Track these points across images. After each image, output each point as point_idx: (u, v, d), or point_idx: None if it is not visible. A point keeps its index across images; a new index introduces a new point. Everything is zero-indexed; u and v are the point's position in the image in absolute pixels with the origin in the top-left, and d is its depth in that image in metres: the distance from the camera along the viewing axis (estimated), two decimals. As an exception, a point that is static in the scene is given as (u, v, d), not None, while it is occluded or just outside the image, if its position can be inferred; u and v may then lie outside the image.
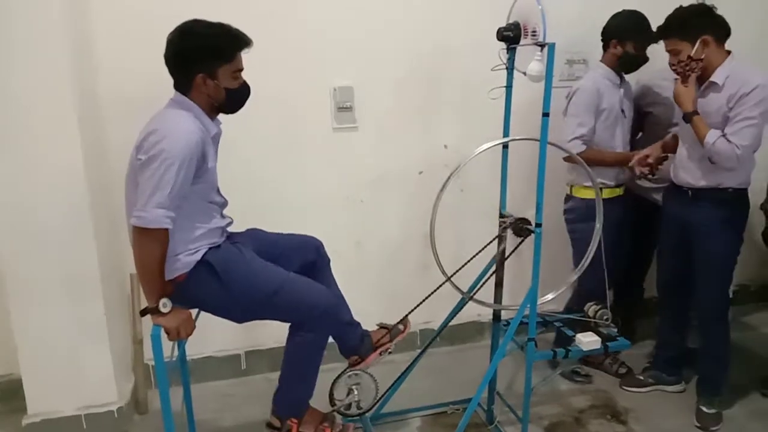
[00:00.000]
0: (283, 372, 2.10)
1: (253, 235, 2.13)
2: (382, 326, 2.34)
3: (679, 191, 2.50)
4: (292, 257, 2.12)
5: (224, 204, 2.05)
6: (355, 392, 2.22)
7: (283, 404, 2.11)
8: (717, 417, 2.57)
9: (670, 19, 2.32)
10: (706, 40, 2.26)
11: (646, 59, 2.68)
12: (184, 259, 1.86)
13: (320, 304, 1.99)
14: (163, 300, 1.81)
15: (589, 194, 2.64)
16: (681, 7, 2.35)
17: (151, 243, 1.76)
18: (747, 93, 2.21)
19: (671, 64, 2.35)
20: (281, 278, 1.97)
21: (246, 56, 1.91)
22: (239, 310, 2.00)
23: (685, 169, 2.44)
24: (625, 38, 2.63)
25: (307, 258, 2.18)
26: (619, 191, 2.79)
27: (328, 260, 2.27)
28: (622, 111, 2.73)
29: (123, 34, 2.50)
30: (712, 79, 2.30)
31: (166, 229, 1.76)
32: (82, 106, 2.30)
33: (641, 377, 2.84)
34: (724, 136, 2.24)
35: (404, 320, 2.34)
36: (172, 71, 1.86)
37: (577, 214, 2.75)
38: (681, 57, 2.29)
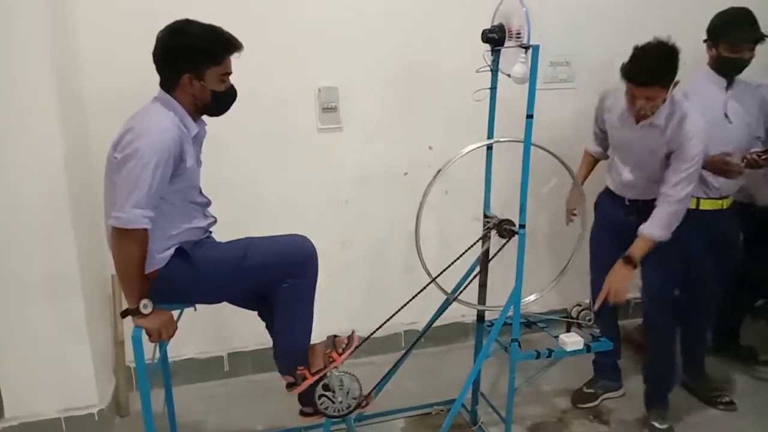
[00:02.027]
0: (277, 326, 2.04)
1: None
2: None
3: (623, 201, 2.50)
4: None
5: (207, 204, 2.03)
6: (338, 394, 2.20)
7: (287, 359, 2.06)
8: None
9: (653, 67, 2.13)
10: (676, 83, 2.19)
11: (745, 61, 2.43)
12: (158, 255, 1.84)
13: (294, 251, 1.96)
14: (144, 301, 1.79)
15: (706, 205, 2.50)
16: (654, 50, 2.14)
17: (130, 243, 1.74)
18: (686, 144, 2.21)
19: (641, 108, 2.19)
20: (245, 241, 1.96)
21: (237, 57, 1.90)
22: (215, 288, 1.95)
23: (632, 190, 2.46)
24: (715, 40, 2.44)
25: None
26: (722, 203, 2.55)
27: None
28: (726, 115, 2.47)
29: (108, 30, 2.47)
30: (654, 121, 2.24)
31: (145, 229, 1.74)
32: (64, 102, 2.27)
33: (591, 391, 2.77)
34: (660, 203, 2.26)
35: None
36: (159, 69, 1.84)
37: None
38: (656, 103, 2.17)
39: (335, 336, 2.16)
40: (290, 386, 2.08)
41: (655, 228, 2.26)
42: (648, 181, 2.39)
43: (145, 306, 1.79)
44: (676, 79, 2.16)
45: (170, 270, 1.87)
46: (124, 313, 1.83)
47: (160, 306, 1.84)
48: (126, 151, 1.71)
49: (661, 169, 2.32)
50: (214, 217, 2.05)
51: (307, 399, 2.12)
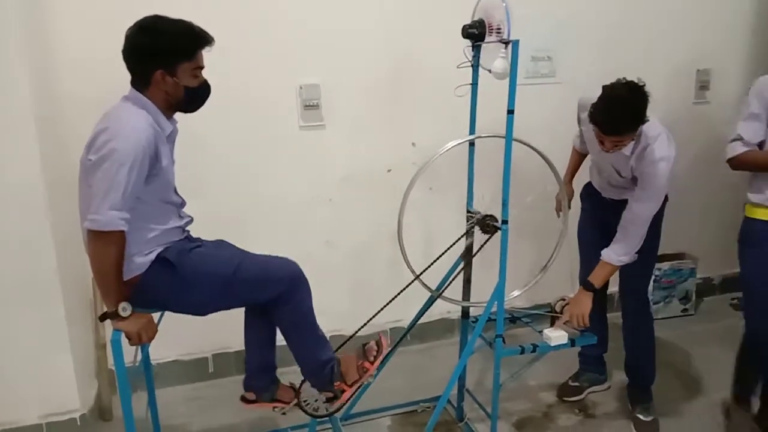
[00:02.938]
0: (292, 349, 2.05)
1: (220, 245, 2.06)
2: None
3: (602, 197, 2.53)
4: None
5: (182, 204, 1.99)
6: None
7: (315, 373, 2.07)
8: (654, 425, 2.56)
9: (620, 119, 2.07)
10: (645, 121, 2.15)
11: None
12: (138, 260, 1.81)
13: (285, 275, 1.94)
14: (123, 304, 1.75)
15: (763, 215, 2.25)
16: (623, 98, 2.06)
17: (106, 246, 1.70)
18: (647, 172, 2.19)
19: (606, 149, 2.16)
20: (239, 256, 1.92)
21: (210, 53, 1.86)
22: (201, 301, 1.92)
23: (608, 191, 2.49)
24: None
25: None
26: None
27: None
28: None
29: (84, 29, 2.43)
30: (624, 152, 2.21)
31: (122, 231, 1.71)
32: (40, 104, 2.24)
33: (576, 384, 2.79)
34: (619, 229, 2.26)
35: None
36: (130, 66, 1.80)
37: (743, 239, 2.32)
38: (623, 144, 2.14)
39: (365, 344, 2.18)
40: (330, 400, 2.10)
41: (614, 254, 2.26)
42: (622, 188, 2.42)
43: (124, 309, 1.75)
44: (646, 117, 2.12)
45: (152, 277, 1.83)
46: (103, 317, 1.80)
47: (139, 310, 1.81)
48: (101, 152, 1.67)
49: (629, 184, 2.34)
50: (190, 216, 2.02)
51: (253, 385, 2.15)
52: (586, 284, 2.31)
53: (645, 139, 2.21)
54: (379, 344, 2.15)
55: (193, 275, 1.86)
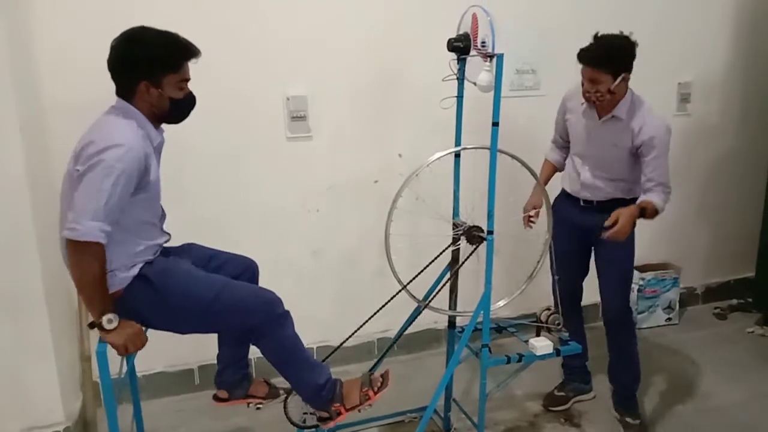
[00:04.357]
0: (284, 375, 2.04)
1: (189, 249, 2.06)
2: (265, 380, 2.24)
3: (579, 202, 2.57)
4: (232, 272, 2.05)
5: (164, 216, 1.98)
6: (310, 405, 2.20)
7: (313, 397, 2.05)
8: (644, 428, 2.61)
9: (600, 50, 2.28)
10: (626, 77, 2.31)
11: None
12: (120, 275, 1.78)
13: (261, 308, 1.92)
14: (108, 316, 1.71)
15: None
16: (609, 37, 2.30)
17: (86, 257, 1.66)
18: (651, 138, 2.33)
19: (586, 91, 2.33)
20: (221, 283, 1.90)
21: (198, 64, 1.86)
22: (180, 322, 1.91)
23: (586, 190, 2.53)
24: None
25: (245, 276, 2.10)
26: None
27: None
28: None
29: (69, 38, 2.43)
30: (615, 114, 2.37)
31: (100, 244, 1.66)
32: (24, 112, 2.23)
33: (562, 394, 2.82)
34: (651, 187, 2.35)
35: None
36: (115, 77, 1.79)
37: None
38: (600, 88, 2.28)
39: (371, 373, 2.19)
40: (323, 420, 2.09)
41: (655, 199, 2.34)
42: (607, 180, 2.47)
43: (110, 321, 1.71)
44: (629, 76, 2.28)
45: (135, 295, 1.81)
46: (91, 325, 1.77)
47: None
48: (89, 162, 1.65)
49: (621, 167, 2.42)
50: (168, 234, 2.00)
51: (225, 381, 2.16)
52: (638, 206, 2.32)
53: (642, 104, 2.38)
54: (384, 377, 2.16)
55: (174, 298, 1.84)
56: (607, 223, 2.30)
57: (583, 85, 2.35)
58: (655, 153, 2.33)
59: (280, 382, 2.14)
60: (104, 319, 1.71)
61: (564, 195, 2.64)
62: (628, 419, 2.60)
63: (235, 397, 2.16)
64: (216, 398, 2.18)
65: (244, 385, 2.18)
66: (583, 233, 2.53)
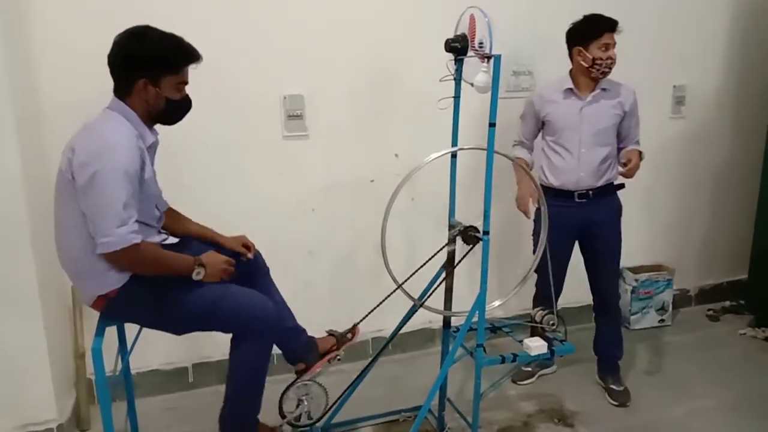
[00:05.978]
0: (228, 388, 2.01)
1: (186, 243, 2.06)
2: (330, 333, 2.31)
3: (574, 198, 2.66)
4: (241, 270, 2.06)
5: (161, 218, 1.98)
6: (305, 403, 2.20)
7: (230, 424, 2.03)
8: (627, 393, 2.82)
9: (608, 15, 2.52)
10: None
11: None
12: (115, 275, 1.79)
13: (260, 315, 1.92)
14: (195, 270, 1.82)
15: None
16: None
17: (136, 259, 1.72)
18: (634, 102, 2.63)
19: (599, 61, 2.50)
20: (219, 290, 1.90)
21: (194, 68, 1.88)
22: (176, 323, 1.92)
23: (589, 171, 2.63)
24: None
25: (246, 265, 2.12)
26: None
27: (267, 269, 2.23)
28: None
29: (66, 34, 2.42)
30: (603, 86, 2.58)
31: (137, 244, 1.70)
32: (20, 108, 2.22)
33: (528, 369, 2.99)
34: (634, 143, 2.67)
35: (353, 327, 2.32)
36: (114, 73, 1.80)
37: None
38: (612, 53, 2.50)
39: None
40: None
41: (640, 148, 2.62)
42: (600, 160, 2.60)
43: (198, 273, 1.82)
44: None
45: (131, 295, 1.81)
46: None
47: (114, 323, 1.79)
48: (88, 172, 1.66)
49: (611, 138, 2.64)
50: (166, 233, 2.02)
51: (296, 355, 2.22)
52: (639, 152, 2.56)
53: (622, 88, 2.63)
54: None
55: (172, 300, 1.85)
56: (623, 161, 2.56)
57: (593, 61, 2.50)
58: (636, 113, 2.64)
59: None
60: (193, 275, 1.80)
61: (553, 193, 2.64)
62: (613, 386, 2.83)
63: (311, 362, 2.19)
64: (298, 373, 2.20)
65: (313, 348, 2.20)
66: (578, 229, 2.68)
